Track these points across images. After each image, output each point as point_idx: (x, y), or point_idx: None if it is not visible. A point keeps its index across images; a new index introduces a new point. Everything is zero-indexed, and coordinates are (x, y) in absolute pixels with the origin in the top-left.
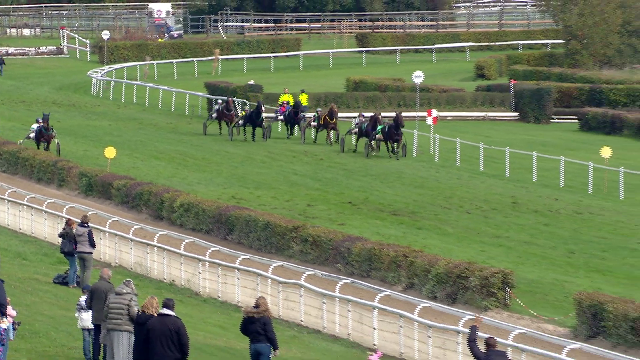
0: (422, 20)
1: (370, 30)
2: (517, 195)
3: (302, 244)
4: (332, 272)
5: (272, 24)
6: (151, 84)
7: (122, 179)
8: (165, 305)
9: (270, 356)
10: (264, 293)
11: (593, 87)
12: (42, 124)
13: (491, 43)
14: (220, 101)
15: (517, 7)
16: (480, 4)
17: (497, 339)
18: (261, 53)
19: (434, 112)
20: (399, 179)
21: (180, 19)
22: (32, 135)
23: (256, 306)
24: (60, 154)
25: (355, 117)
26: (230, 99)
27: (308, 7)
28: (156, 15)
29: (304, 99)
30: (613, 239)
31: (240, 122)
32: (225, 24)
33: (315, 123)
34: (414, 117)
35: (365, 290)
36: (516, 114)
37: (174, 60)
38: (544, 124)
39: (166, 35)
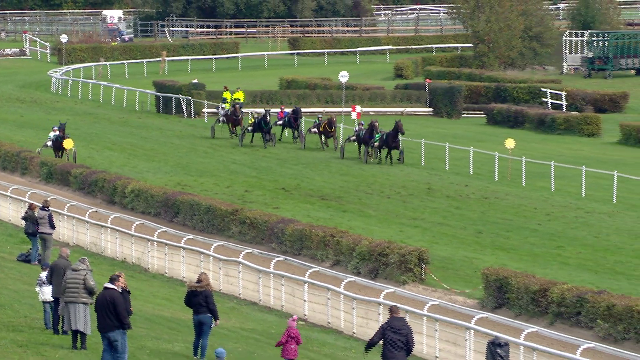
0: (347, 26)
1: (301, 35)
2: (432, 182)
3: (241, 225)
4: (267, 250)
5: (214, 29)
6: (105, 83)
7: (79, 168)
8: (110, 280)
9: (212, 326)
10: (206, 269)
11: (498, 86)
12: (58, 132)
13: (408, 46)
14: (224, 106)
15: (432, 14)
16: (399, 12)
17: (414, 310)
18: (204, 55)
19: (358, 108)
20: (327, 168)
21: (131, 24)
22: (49, 143)
23: (199, 281)
24: (76, 160)
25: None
26: (237, 105)
27: (245, 14)
28: (109, 21)
29: (241, 96)
30: (516, 220)
31: (249, 129)
32: (171, 28)
33: (315, 129)
34: (340, 112)
35: (297, 267)
36: (430, 109)
37: (125, 61)
38: (455, 118)
39: (118, 39)
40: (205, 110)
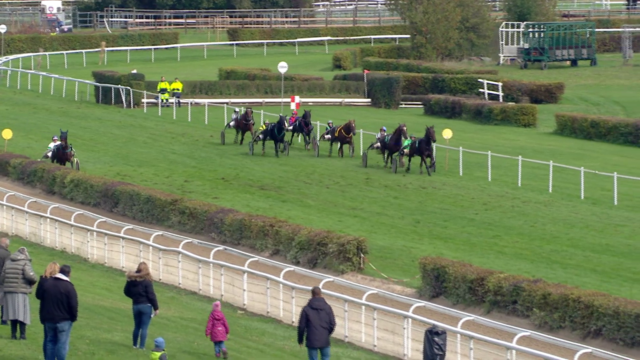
0: (286, 17)
1: (240, 26)
2: (370, 172)
3: (180, 215)
4: (206, 240)
5: (153, 20)
6: (44, 73)
7: (18, 158)
8: (61, 271)
9: (151, 315)
10: (146, 259)
11: (436, 77)
12: (58, 142)
13: (347, 37)
14: (237, 110)
15: (370, 5)
16: (337, 3)
17: (353, 299)
18: (143, 45)
19: (297, 98)
20: (266, 158)
21: (70, 14)
22: (50, 154)
23: (139, 271)
24: (79, 169)
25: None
26: (249, 109)
27: (184, 5)
28: (48, 11)
29: (179, 86)
30: (453, 210)
31: (261, 136)
32: (110, 19)
33: (329, 136)
34: (279, 102)
35: (236, 256)
36: (369, 100)
37: (64, 52)
38: (393, 108)
39: (57, 29)
40: (145, 100)
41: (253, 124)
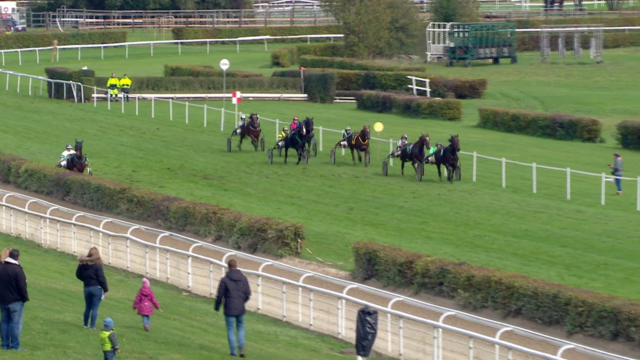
0: (228, 17)
1: (185, 26)
2: (248, 148)
3: (128, 203)
4: (153, 227)
5: (102, 19)
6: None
7: None
8: (10, 255)
9: (101, 297)
10: (96, 244)
11: (368, 73)
12: (72, 151)
13: (285, 37)
14: (243, 117)
15: (306, 6)
16: (275, 4)
17: (290, 281)
18: (93, 44)
19: (238, 94)
20: (209, 149)
21: (24, 14)
22: (64, 163)
23: (89, 255)
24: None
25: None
26: (255, 115)
27: (132, 5)
28: (3, 12)
29: (128, 82)
30: (384, 198)
31: (281, 143)
32: (62, 19)
33: (345, 143)
34: (221, 97)
35: (181, 242)
36: (305, 95)
37: (18, 50)
38: (328, 103)
39: (12, 28)
40: (95, 95)
41: (260, 130)
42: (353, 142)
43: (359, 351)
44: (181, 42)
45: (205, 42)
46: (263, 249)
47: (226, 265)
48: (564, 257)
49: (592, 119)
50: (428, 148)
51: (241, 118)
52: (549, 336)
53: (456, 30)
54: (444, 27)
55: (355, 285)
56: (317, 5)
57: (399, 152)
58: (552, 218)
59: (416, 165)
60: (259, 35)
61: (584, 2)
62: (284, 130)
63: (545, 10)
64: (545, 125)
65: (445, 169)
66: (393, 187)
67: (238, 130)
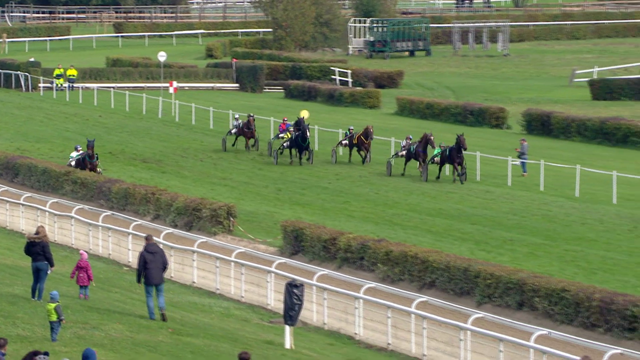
0: (165, 13)
1: (125, 20)
2: (238, 147)
3: (73, 184)
4: (96, 206)
5: (48, 14)
6: None
7: None
8: None
9: (48, 272)
10: (43, 223)
11: (294, 65)
12: (81, 151)
13: (218, 31)
14: (237, 117)
15: (237, 3)
16: (209, 1)
17: (224, 256)
18: (39, 37)
19: (175, 83)
20: (148, 135)
21: None
22: (73, 163)
23: (37, 233)
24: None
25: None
26: (251, 117)
27: (76, 1)
28: None
29: (74, 72)
30: (310, 180)
31: (285, 144)
32: (10, 14)
33: (346, 142)
34: (159, 87)
35: (122, 220)
36: (237, 85)
37: None
38: (258, 92)
39: None
40: (41, 85)
41: (255, 131)
42: (355, 141)
43: (286, 321)
44: (121, 36)
45: (144, 36)
46: (198, 227)
47: (163, 241)
48: (474, 233)
49: (500, 107)
50: (433, 147)
51: (235, 118)
52: (461, 306)
53: (375, 25)
54: (365, 23)
55: (283, 260)
56: (248, 2)
57: (403, 152)
58: (464, 198)
59: (420, 165)
60: (193, 30)
61: (492, 0)
62: (288, 132)
63: (457, 7)
64: (457, 112)
65: (453, 168)
66: (318, 169)
67: (233, 131)
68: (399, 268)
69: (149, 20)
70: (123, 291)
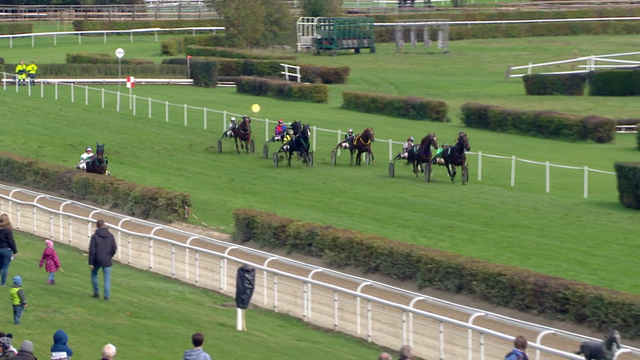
0: (122, 12)
1: (84, 18)
2: (193, 139)
3: (35, 175)
4: (57, 196)
5: (10, 12)
6: None
7: None
8: None
9: (11, 258)
10: (6, 211)
11: (246, 61)
12: (91, 154)
13: (173, 29)
14: (233, 119)
15: (192, 2)
16: (164, 0)
17: (179, 243)
18: (2, 34)
19: (132, 79)
20: (107, 127)
21: None
22: (82, 165)
23: (0, 221)
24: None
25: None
26: (247, 119)
27: (37, 0)
28: None
29: (33, 69)
30: (261, 170)
31: (285, 147)
32: None
33: (347, 144)
34: (117, 82)
35: (81, 209)
36: (191, 80)
37: None
38: (211, 87)
39: None
40: (4, 80)
41: (250, 132)
42: (355, 142)
43: (238, 304)
44: (81, 33)
45: (102, 34)
46: (155, 215)
47: (121, 229)
48: (416, 220)
49: (440, 101)
50: (436, 148)
51: (231, 120)
52: (403, 289)
53: (323, 24)
54: (312, 21)
55: (235, 246)
56: (202, 2)
57: (405, 154)
58: (406, 187)
59: (424, 166)
60: (150, 28)
61: (432, 0)
62: (288, 134)
63: (399, 6)
64: (399, 106)
65: (455, 168)
66: (269, 160)
67: (229, 133)
68: (345, 254)
69: (107, 19)
70: (83, 276)
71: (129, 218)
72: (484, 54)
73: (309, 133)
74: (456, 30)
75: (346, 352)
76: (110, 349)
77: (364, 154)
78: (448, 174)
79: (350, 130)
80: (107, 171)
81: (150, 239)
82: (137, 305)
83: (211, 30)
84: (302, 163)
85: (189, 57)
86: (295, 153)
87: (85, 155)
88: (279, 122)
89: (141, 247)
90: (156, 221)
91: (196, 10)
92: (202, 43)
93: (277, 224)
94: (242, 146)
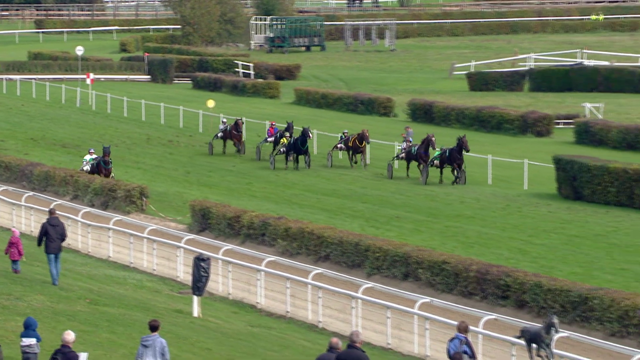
0: (82, 11)
1: (45, 17)
2: (150, 133)
3: None
4: (19, 188)
5: None
6: None
7: None
8: None
9: None
10: None
11: (201, 59)
12: (94, 155)
13: (131, 27)
14: (224, 120)
15: (149, 2)
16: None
17: (137, 233)
18: None
19: (92, 75)
20: (67, 122)
21: None
22: (87, 167)
23: None
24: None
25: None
26: (239, 120)
27: None
28: None
29: None
30: (216, 163)
31: (283, 149)
32: None
33: (342, 145)
34: (77, 78)
35: (43, 200)
36: (149, 76)
37: None
38: (168, 83)
39: None
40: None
41: (242, 134)
42: (350, 144)
43: (194, 291)
44: (42, 32)
45: (63, 32)
46: (114, 206)
47: (81, 220)
48: (365, 211)
49: (387, 97)
50: (434, 148)
51: (222, 122)
52: (352, 277)
53: (275, 23)
54: (265, 20)
55: (191, 236)
56: (159, 1)
57: (404, 154)
58: (355, 179)
59: (421, 167)
60: (109, 26)
61: (379, 0)
62: (285, 137)
63: (348, 6)
64: (349, 102)
65: (451, 170)
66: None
67: (220, 134)
68: (297, 243)
69: (67, 18)
70: (45, 265)
71: (88, 209)
72: (429, 52)
73: (310, 135)
74: (403, 29)
75: (298, 338)
76: (70, 335)
77: (359, 156)
78: (452, 175)
79: (345, 132)
80: (112, 174)
81: (109, 229)
82: (97, 293)
83: (168, 29)
84: (293, 168)
85: (146, 54)
86: (292, 155)
87: (88, 157)
88: (272, 125)
89: (101, 237)
90: (115, 212)
91: (153, 9)
92: (159, 41)
93: (231, 215)
94: (236, 148)
